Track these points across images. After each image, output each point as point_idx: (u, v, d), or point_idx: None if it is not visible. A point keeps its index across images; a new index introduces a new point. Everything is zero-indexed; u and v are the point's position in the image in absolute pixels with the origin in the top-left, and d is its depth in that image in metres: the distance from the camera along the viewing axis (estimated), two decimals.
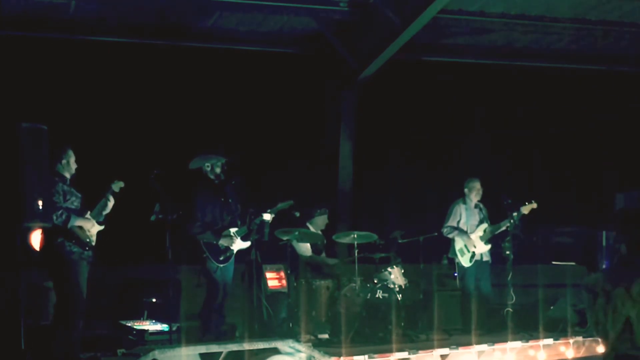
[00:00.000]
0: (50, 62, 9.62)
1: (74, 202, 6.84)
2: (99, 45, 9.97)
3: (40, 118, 6.16)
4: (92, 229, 6.86)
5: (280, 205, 7.81)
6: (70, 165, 6.87)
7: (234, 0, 9.63)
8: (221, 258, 7.62)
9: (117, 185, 6.99)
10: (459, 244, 8.98)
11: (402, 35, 9.54)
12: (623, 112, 12.26)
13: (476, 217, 9.01)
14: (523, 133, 12.23)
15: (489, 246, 8.93)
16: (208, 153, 7.90)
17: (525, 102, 12.12)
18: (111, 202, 6.97)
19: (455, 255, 8.99)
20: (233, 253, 7.70)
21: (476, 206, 9.06)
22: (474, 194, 9.00)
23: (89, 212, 6.88)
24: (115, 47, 10.07)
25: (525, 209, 8.70)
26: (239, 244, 7.72)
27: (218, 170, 7.80)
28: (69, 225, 6.66)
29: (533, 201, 8.70)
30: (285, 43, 10.88)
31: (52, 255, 6.61)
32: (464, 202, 9.04)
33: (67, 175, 6.88)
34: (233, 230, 7.70)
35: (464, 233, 8.94)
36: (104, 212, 6.98)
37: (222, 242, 7.64)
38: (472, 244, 8.89)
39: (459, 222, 9.01)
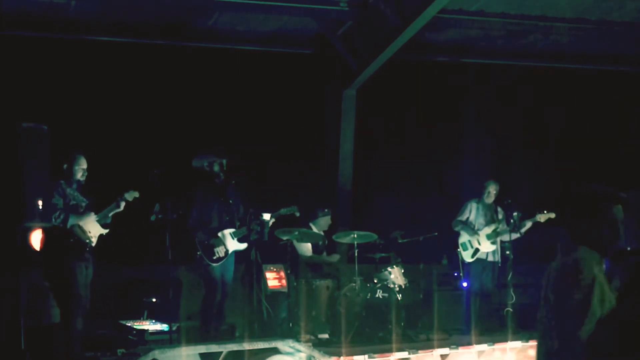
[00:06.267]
0: (50, 62, 9.62)
1: (75, 206, 6.82)
2: (99, 45, 9.97)
3: (40, 118, 6.16)
4: (93, 229, 6.84)
5: (282, 211, 7.82)
6: (73, 170, 6.86)
7: (234, 0, 9.63)
8: (214, 257, 7.61)
9: (132, 195, 6.99)
10: (462, 237, 9.02)
11: (402, 35, 9.54)
12: (623, 112, 12.26)
13: (488, 217, 9.00)
14: (522, 132, 12.23)
15: (494, 246, 8.92)
16: (207, 153, 7.90)
17: (524, 102, 12.12)
18: (120, 209, 6.97)
19: (459, 248, 9.03)
20: (228, 253, 7.69)
21: (491, 207, 9.06)
22: (486, 194, 9.02)
23: (93, 214, 6.87)
24: (115, 47, 10.07)
25: (542, 217, 8.71)
26: (234, 245, 7.70)
27: (217, 169, 7.79)
28: (68, 225, 6.66)
29: (551, 211, 8.71)
30: (285, 43, 10.87)
31: (50, 255, 6.60)
32: (477, 202, 9.07)
33: (73, 179, 6.88)
34: (230, 231, 7.69)
35: (469, 228, 8.96)
36: (110, 215, 6.98)
37: (215, 241, 7.63)
38: (476, 240, 8.91)
39: (467, 218, 9.05)
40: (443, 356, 7.59)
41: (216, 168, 7.79)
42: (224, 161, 7.81)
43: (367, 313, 8.06)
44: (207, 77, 10.47)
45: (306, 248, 8.89)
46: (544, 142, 12.28)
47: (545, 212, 8.73)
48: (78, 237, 6.71)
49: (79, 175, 6.89)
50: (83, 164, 6.91)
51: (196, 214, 7.70)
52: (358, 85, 10.71)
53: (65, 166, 6.84)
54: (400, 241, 9.21)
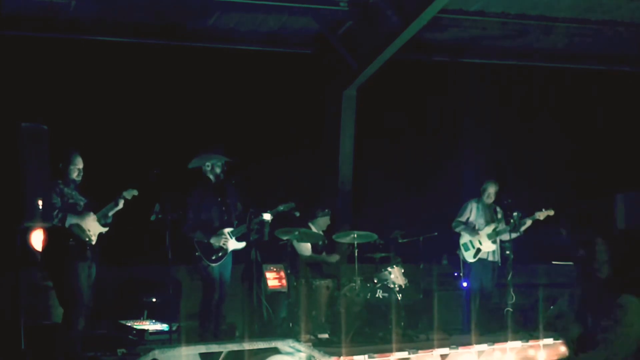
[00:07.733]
0: (50, 62, 9.62)
1: (74, 205, 6.81)
2: (99, 45, 9.97)
3: (40, 118, 6.16)
4: (93, 228, 6.81)
5: (281, 207, 7.80)
6: (68, 170, 6.82)
7: (234, 0, 9.64)
8: (213, 257, 7.60)
9: (130, 193, 6.90)
10: (464, 238, 8.99)
11: (402, 35, 9.55)
12: (623, 112, 12.26)
13: (487, 216, 8.99)
14: (522, 133, 12.24)
15: (494, 246, 8.92)
16: (208, 153, 7.89)
17: (525, 101, 12.13)
18: (119, 207, 6.93)
19: (460, 249, 9.01)
20: (227, 252, 7.68)
21: (491, 206, 9.06)
22: (486, 195, 9.01)
23: (92, 213, 6.85)
24: (115, 47, 10.07)
25: (541, 215, 8.72)
26: (233, 244, 7.69)
27: (218, 170, 7.79)
28: (66, 224, 6.65)
29: (550, 208, 8.71)
30: (285, 43, 10.89)
31: (51, 256, 6.61)
32: (478, 201, 9.05)
33: (69, 179, 6.85)
34: (228, 230, 7.68)
35: (470, 228, 8.94)
36: (110, 214, 6.95)
37: (214, 241, 7.63)
38: (477, 240, 8.89)
39: (468, 219, 9.03)
40: (443, 356, 7.59)
41: (217, 169, 7.79)
42: (223, 161, 7.81)
43: (367, 313, 8.06)
44: (207, 77, 10.48)
45: (305, 248, 8.89)
46: (544, 141, 12.28)
47: (544, 209, 8.73)
48: (77, 236, 6.70)
49: (75, 175, 6.85)
50: (79, 164, 6.87)
51: (195, 214, 7.70)
52: (358, 85, 10.72)
53: (60, 165, 6.82)
54: (400, 241, 9.21)
